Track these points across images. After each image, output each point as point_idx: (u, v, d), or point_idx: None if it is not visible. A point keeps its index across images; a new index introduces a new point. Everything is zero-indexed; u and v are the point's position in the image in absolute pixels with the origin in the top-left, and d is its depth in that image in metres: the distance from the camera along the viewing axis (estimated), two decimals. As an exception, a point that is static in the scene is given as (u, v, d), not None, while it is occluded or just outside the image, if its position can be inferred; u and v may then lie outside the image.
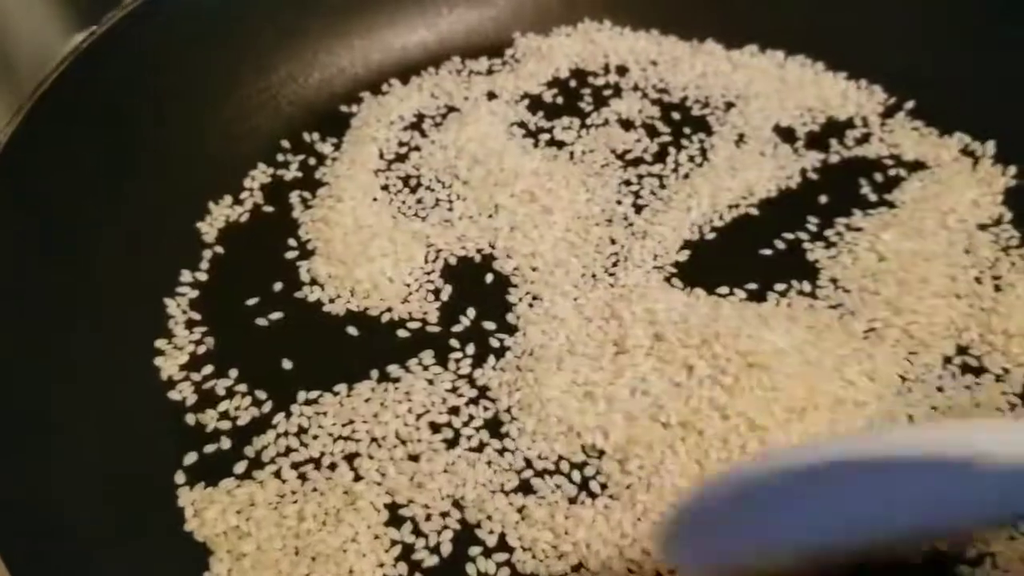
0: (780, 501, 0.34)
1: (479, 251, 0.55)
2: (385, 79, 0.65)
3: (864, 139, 0.61)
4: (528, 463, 0.46)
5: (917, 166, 0.59)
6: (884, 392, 0.48)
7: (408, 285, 0.53)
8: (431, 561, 0.43)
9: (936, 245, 0.54)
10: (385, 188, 0.58)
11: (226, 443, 0.47)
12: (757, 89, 0.64)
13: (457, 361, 0.50)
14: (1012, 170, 0.58)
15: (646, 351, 0.49)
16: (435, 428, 0.47)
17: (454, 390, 0.49)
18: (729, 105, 0.63)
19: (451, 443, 0.46)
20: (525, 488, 0.45)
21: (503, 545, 0.43)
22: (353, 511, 0.44)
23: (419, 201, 0.58)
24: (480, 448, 0.46)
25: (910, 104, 0.62)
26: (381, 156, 0.60)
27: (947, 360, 0.50)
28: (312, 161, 0.60)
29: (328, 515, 0.44)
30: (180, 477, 0.45)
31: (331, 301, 0.53)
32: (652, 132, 0.61)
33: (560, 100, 0.64)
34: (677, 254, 0.55)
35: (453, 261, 0.55)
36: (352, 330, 0.51)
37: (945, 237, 0.55)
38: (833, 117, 0.62)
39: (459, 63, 0.66)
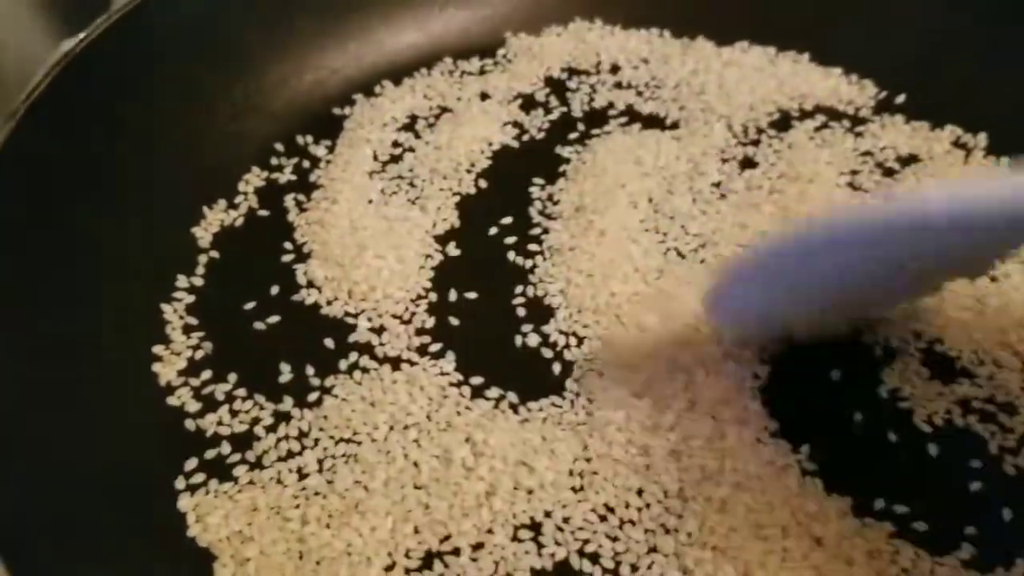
0: (825, 259, 0.39)
1: (476, 250, 0.55)
2: (378, 80, 0.65)
3: (857, 133, 0.61)
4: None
5: (910, 159, 0.59)
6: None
7: (405, 286, 0.53)
8: (437, 563, 0.43)
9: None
10: (380, 190, 0.58)
11: (226, 448, 0.47)
12: (749, 85, 0.64)
13: (456, 360, 0.50)
14: (1004, 162, 0.58)
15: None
16: (437, 428, 0.47)
17: (458, 386, 0.49)
18: (721, 100, 0.63)
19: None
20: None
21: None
22: (357, 514, 0.44)
23: (414, 202, 0.58)
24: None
25: (901, 98, 0.62)
26: (375, 158, 0.60)
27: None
28: (306, 164, 0.60)
29: (332, 518, 0.44)
30: (181, 483, 0.45)
31: (328, 303, 0.53)
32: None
33: (553, 99, 0.64)
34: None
35: (450, 261, 0.55)
36: (351, 332, 0.51)
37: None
38: (825, 111, 0.62)
39: (451, 64, 0.66)
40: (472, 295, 0.53)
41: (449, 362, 0.50)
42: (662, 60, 0.66)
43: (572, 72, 0.66)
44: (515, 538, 0.43)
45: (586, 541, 0.43)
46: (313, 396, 0.48)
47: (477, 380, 0.49)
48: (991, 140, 0.59)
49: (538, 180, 0.59)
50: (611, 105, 0.63)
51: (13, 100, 0.58)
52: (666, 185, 0.57)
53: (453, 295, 0.53)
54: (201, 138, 0.59)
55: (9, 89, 0.70)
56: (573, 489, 0.45)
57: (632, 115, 0.63)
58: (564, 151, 0.60)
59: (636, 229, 0.55)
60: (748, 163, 0.59)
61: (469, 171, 0.59)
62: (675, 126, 0.62)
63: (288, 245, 0.55)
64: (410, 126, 0.62)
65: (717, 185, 0.58)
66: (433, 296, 0.53)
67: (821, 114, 0.62)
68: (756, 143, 0.60)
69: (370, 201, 0.57)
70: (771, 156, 0.59)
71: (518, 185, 0.59)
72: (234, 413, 0.48)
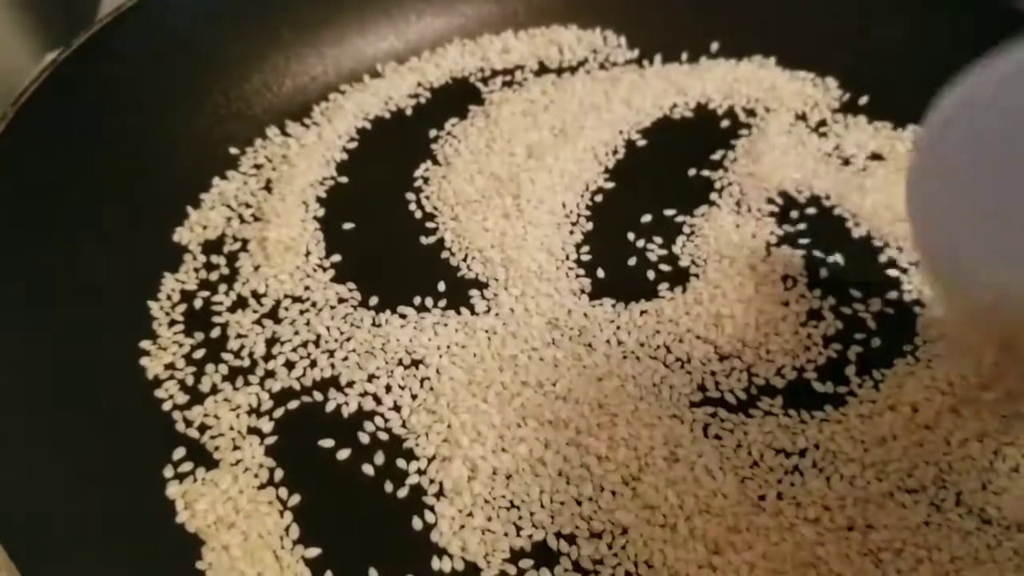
0: None
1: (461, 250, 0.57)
2: (356, 86, 0.66)
3: (821, 133, 0.63)
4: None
5: (873, 158, 0.61)
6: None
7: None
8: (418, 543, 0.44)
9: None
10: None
11: (212, 436, 0.48)
12: (714, 86, 0.66)
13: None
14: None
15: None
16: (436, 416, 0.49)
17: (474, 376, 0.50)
18: (689, 104, 0.65)
19: (449, 436, 0.48)
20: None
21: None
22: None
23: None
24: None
25: (864, 99, 0.65)
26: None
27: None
28: (286, 167, 0.61)
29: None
30: (169, 471, 0.46)
31: (308, 298, 0.54)
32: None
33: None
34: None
35: (434, 257, 0.57)
36: (338, 324, 0.53)
37: (904, 226, 0.57)
38: (790, 113, 0.65)
39: (430, 67, 0.68)
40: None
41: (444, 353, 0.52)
42: (632, 63, 0.68)
43: (543, 68, 0.68)
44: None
45: (563, 524, 0.45)
46: (296, 384, 0.50)
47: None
48: (950, 139, 0.61)
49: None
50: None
51: (-1, 108, 0.59)
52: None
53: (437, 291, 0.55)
54: (185, 142, 0.60)
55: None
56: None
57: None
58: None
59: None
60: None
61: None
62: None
63: (269, 242, 0.56)
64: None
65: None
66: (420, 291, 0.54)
67: (787, 114, 0.64)
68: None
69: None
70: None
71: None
72: (219, 403, 0.49)
